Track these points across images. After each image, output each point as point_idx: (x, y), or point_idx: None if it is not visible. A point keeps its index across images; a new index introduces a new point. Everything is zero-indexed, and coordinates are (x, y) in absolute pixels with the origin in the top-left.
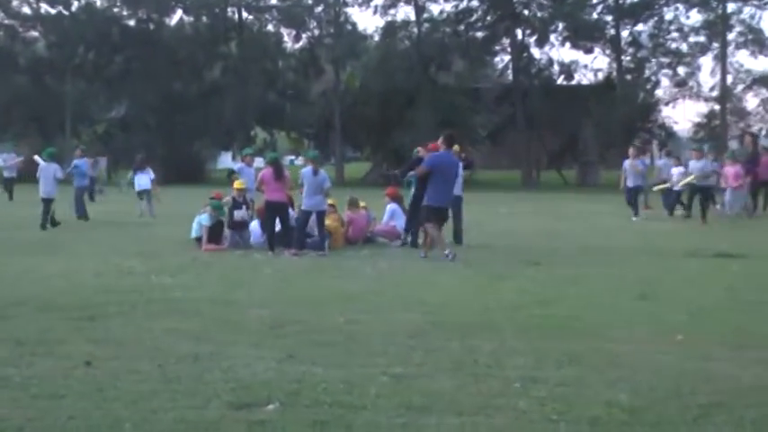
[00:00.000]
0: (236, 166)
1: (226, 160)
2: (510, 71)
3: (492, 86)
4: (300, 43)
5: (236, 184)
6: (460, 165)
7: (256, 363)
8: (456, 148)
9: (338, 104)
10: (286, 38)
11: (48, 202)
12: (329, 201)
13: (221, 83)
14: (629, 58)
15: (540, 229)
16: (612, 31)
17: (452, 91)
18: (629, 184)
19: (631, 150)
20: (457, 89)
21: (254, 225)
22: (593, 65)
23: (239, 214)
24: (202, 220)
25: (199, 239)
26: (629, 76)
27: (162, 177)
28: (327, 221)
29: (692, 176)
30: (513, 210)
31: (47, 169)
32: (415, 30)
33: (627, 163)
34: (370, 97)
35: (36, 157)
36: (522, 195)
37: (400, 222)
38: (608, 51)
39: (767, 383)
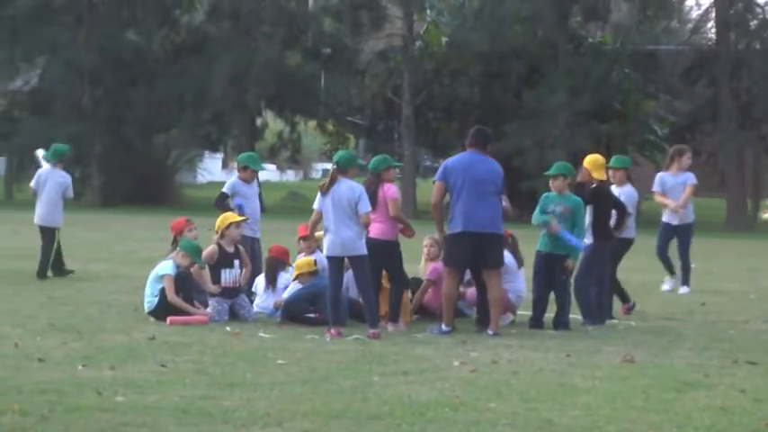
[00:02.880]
0: (228, 182)
1: (212, 168)
2: (712, 24)
3: (679, 50)
4: None
5: (225, 218)
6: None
7: None
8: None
9: (409, 76)
10: None
11: (51, 232)
12: None
13: (207, 33)
14: None
15: (760, 301)
16: None
17: (609, 56)
18: None
19: None
20: (617, 54)
21: (261, 282)
22: None
23: (229, 276)
24: (161, 270)
25: (159, 311)
26: None
27: (100, 193)
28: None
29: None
30: (712, 266)
31: (52, 178)
32: None
33: None
34: (464, 66)
35: (39, 153)
36: (729, 242)
37: (515, 284)
38: None
39: None
